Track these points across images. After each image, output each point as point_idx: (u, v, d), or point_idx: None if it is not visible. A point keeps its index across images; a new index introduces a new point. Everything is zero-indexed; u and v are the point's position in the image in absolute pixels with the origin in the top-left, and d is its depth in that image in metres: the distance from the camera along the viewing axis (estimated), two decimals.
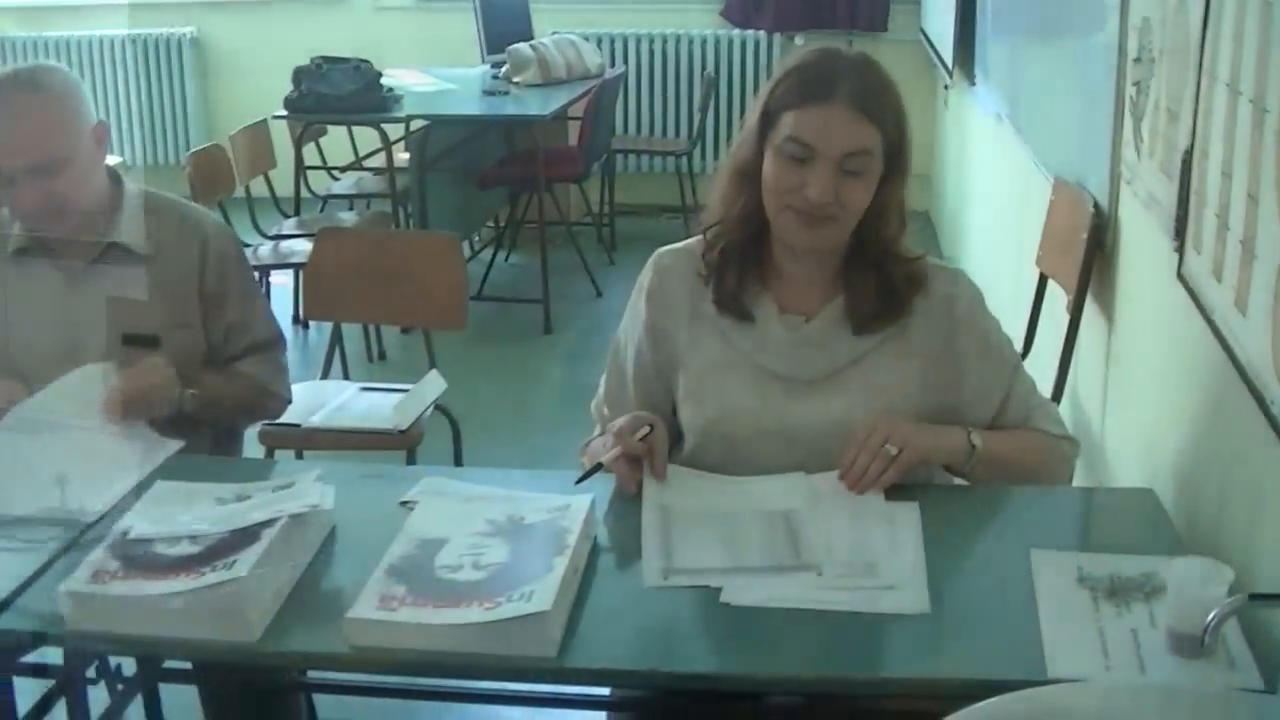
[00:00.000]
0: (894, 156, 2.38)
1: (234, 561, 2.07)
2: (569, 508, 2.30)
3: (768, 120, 2.39)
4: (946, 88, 7.51)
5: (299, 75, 6.73)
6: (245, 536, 2.15)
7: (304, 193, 6.94)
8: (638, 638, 2.04)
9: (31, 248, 2.91)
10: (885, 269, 2.46)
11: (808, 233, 2.39)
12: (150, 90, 9.43)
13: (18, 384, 2.68)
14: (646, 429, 2.41)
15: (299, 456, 4.17)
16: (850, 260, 2.48)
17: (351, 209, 7.48)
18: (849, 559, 2.18)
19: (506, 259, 7.87)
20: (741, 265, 2.50)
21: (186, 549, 2.15)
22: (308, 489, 2.32)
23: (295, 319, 6.63)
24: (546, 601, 1.96)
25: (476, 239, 7.96)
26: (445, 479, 2.52)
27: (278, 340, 3.07)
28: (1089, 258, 3.36)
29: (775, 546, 2.22)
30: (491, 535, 2.22)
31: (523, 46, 7.51)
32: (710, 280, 2.53)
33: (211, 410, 2.88)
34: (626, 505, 2.40)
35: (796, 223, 2.38)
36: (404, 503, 2.42)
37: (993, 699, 1.64)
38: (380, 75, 6.80)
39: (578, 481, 2.41)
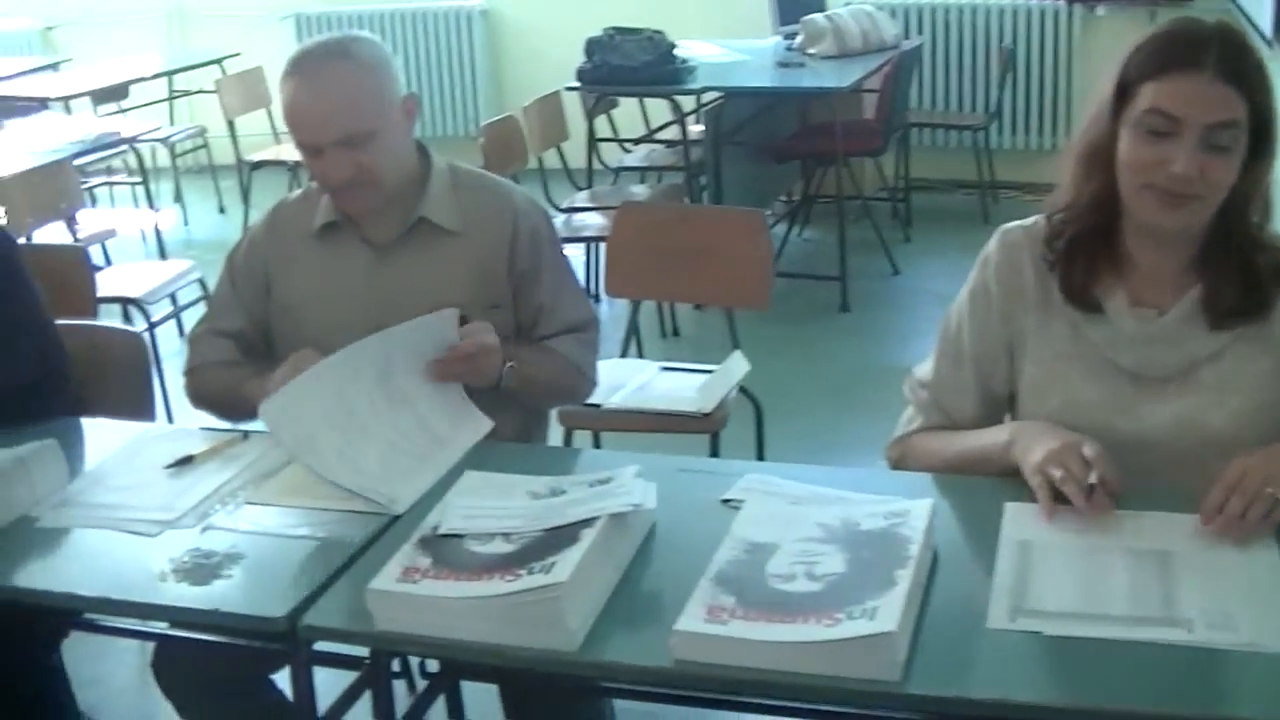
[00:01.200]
0: (1261, 132, 2.17)
1: (552, 564, 1.93)
2: (908, 514, 2.09)
3: (1123, 94, 2.19)
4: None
5: (592, 46, 6.64)
6: (563, 536, 2.00)
7: (596, 165, 6.85)
8: (981, 662, 1.83)
9: (339, 222, 2.83)
10: (1248, 258, 2.24)
11: (1169, 214, 2.18)
12: (441, 63, 9.47)
13: (315, 352, 2.58)
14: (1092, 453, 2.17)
15: (596, 438, 4.07)
16: (1208, 249, 2.27)
17: (643, 182, 7.38)
18: (1225, 614, 1.89)
19: (800, 234, 7.66)
20: (1090, 255, 2.30)
21: (501, 547, 2.02)
22: (628, 485, 2.16)
23: (587, 293, 6.51)
24: (892, 620, 1.78)
25: (769, 213, 7.77)
26: (769, 476, 2.35)
27: (591, 321, 2.93)
28: None
29: (1144, 594, 1.94)
30: (825, 542, 2.03)
31: (818, 17, 7.30)
32: (1056, 269, 2.33)
33: (526, 387, 2.74)
34: (969, 513, 2.21)
35: (1156, 203, 2.17)
36: (726, 501, 2.26)
37: None
38: (673, 46, 6.66)
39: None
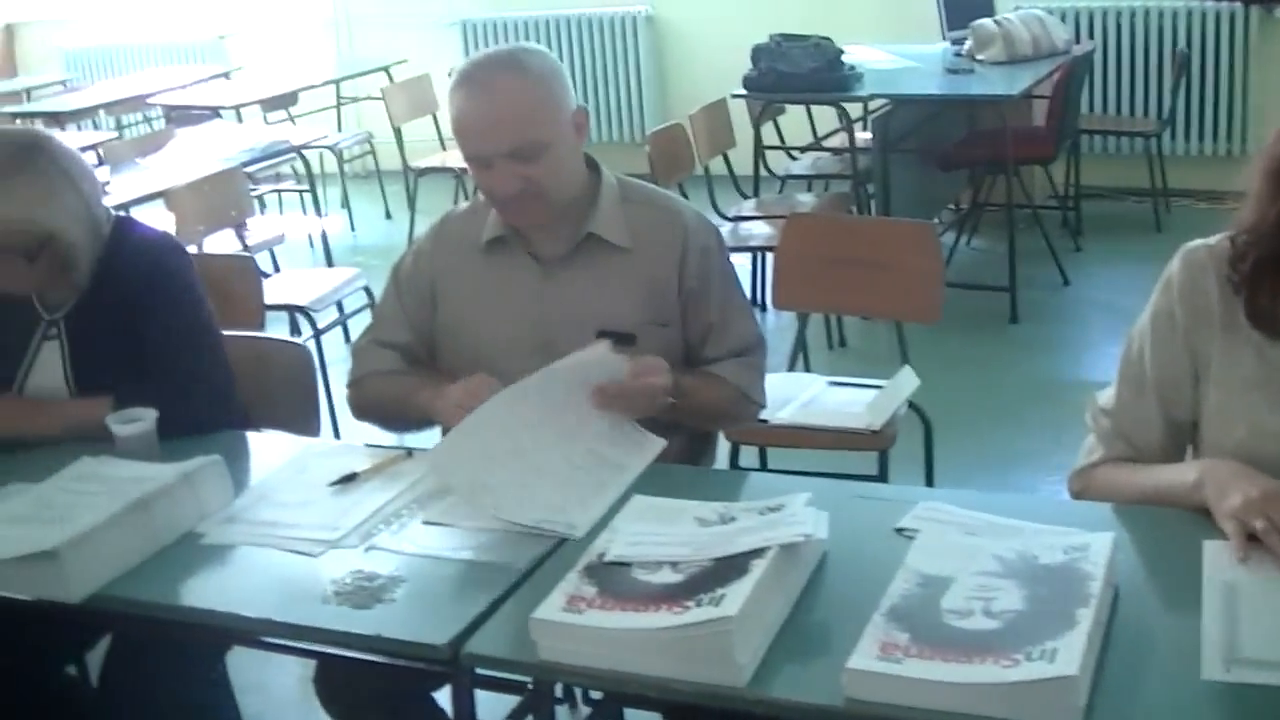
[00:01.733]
0: None
1: (722, 596, 1.87)
2: (1088, 548, 2.00)
3: None
4: None
5: (758, 53, 6.57)
6: (732, 567, 1.94)
7: (762, 173, 6.79)
8: (1184, 713, 1.73)
9: (507, 236, 2.80)
10: None
11: None
12: (606, 69, 9.46)
13: (492, 378, 2.55)
14: None
15: (763, 453, 4.01)
16: None
17: (809, 190, 7.30)
18: None
19: (968, 243, 7.51)
20: (1277, 278, 2.17)
21: (668, 577, 1.97)
22: (800, 514, 2.09)
23: (752, 304, 6.45)
24: (1073, 664, 1.70)
25: (936, 222, 7.65)
26: (943, 504, 2.27)
27: (759, 342, 2.85)
28: None
29: None
30: (1003, 576, 1.94)
31: (987, 22, 7.16)
32: (1242, 292, 2.20)
33: (691, 416, 2.70)
34: (1153, 549, 2.12)
35: None
36: (899, 530, 2.18)
37: None
38: (841, 53, 6.57)
39: None
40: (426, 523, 2.36)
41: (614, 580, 1.98)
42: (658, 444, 2.56)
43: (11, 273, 2.86)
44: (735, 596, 1.86)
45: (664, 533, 2.11)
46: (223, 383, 2.99)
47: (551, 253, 2.77)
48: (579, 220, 2.76)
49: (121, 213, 3.16)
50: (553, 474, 2.42)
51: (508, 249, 2.80)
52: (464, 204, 2.96)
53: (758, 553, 1.97)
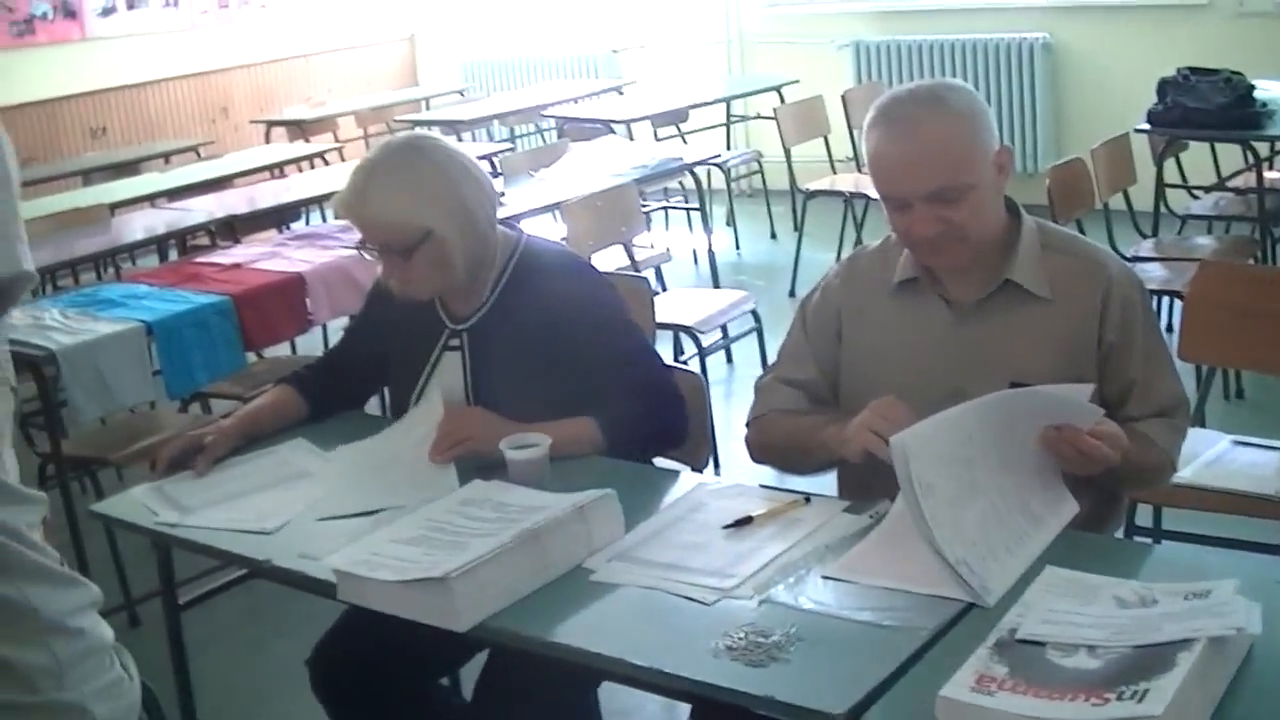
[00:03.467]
0: None
1: (1145, 691, 1.73)
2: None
3: None
4: None
5: (1164, 87, 6.34)
6: (1157, 657, 1.80)
7: (1161, 211, 6.50)
8: None
9: (920, 279, 2.71)
10: None
11: None
12: (1000, 96, 9.22)
13: (901, 402, 2.48)
14: None
15: (1157, 514, 3.79)
16: None
17: (1209, 231, 6.95)
18: None
19: None
20: None
21: (1085, 662, 1.86)
22: (1229, 603, 1.93)
23: None
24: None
25: None
26: None
27: (1183, 403, 2.68)
28: None
29: None
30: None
31: None
32: None
33: (1116, 478, 2.54)
34: None
35: None
36: None
37: None
38: (1252, 88, 6.24)
39: None
40: (825, 578, 2.27)
41: (1027, 660, 1.88)
42: (1073, 506, 2.42)
43: (395, 270, 2.94)
44: (1161, 692, 1.73)
45: (1081, 612, 2.00)
46: (674, 386, 3.02)
47: (965, 297, 2.67)
48: (996, 265, 2.64)
49: (525, 231, 3.18)
50: (982, 498, 2.29)
51: (919, 291, 2.71)
52: (874, 242, 2.87)
53: (1185, 644, 1.82)
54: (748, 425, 2.89)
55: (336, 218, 4.50)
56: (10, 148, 1.73)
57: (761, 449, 2.85)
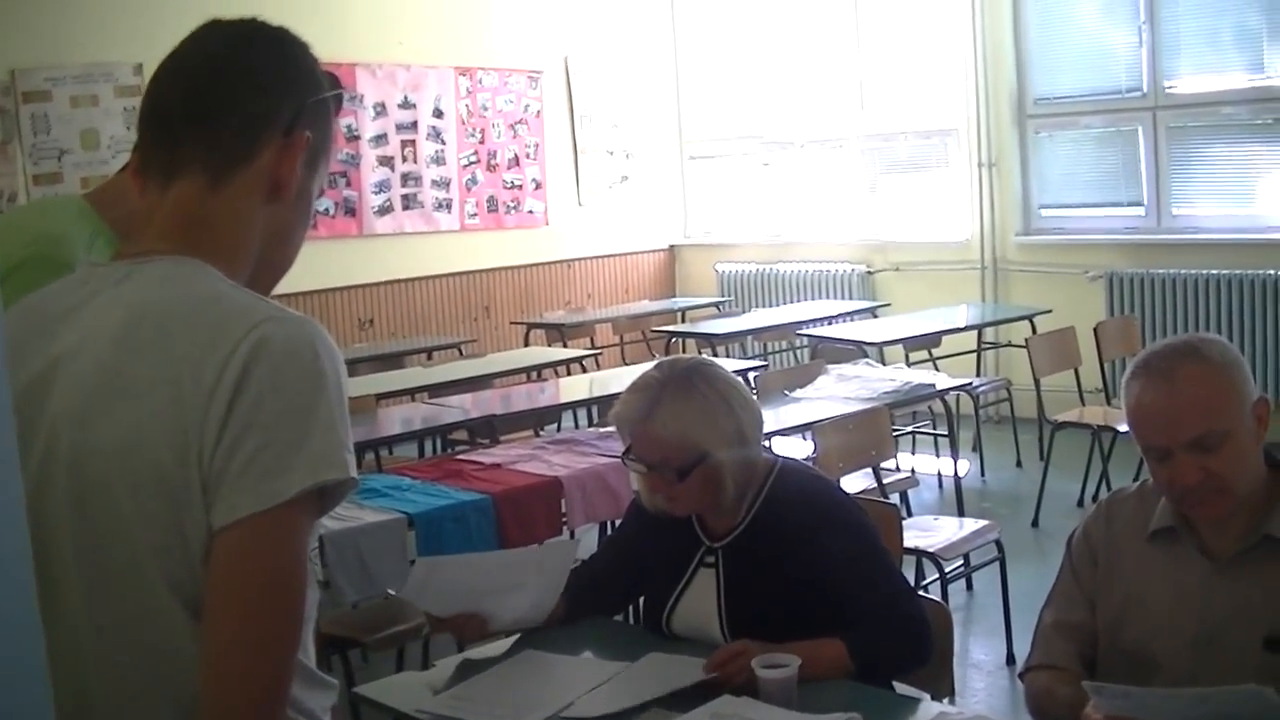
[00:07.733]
0: None
1: None
2: None
3: None
4: None
5: None
6: None
7: None
8: None
9: (1176, 528, 2.72)
10: None
11: None
12: (1256, 333, 8.99)
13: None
14: None
15: None
16: None
17: None
18: None
19: None
20: None
21: None
22: None
23: None
24: None
25: None
26: None
27: None
28: None
29: None
30: None
31: None
32: None
33: None
34: None
35: None
36: None
37: None
38: None
39: None
40: None
41: None
42: None
43: (663, 487, 3.05)
44: None
45: None
46: (923, 614, 3.07)
47: (1223, 550, 2.67)
48: (1254, 519, 2.65)
49: (779, 453, 3.28)
50: None
51: (1176, 540, 2.73)
52: (1132, 485, 2.91)
53: None
54: (1020, 676, 2.90)
55: (611, 427, 4.65)
56: (336, 350, 1.76)
57: (1030, 702, 2.83)
